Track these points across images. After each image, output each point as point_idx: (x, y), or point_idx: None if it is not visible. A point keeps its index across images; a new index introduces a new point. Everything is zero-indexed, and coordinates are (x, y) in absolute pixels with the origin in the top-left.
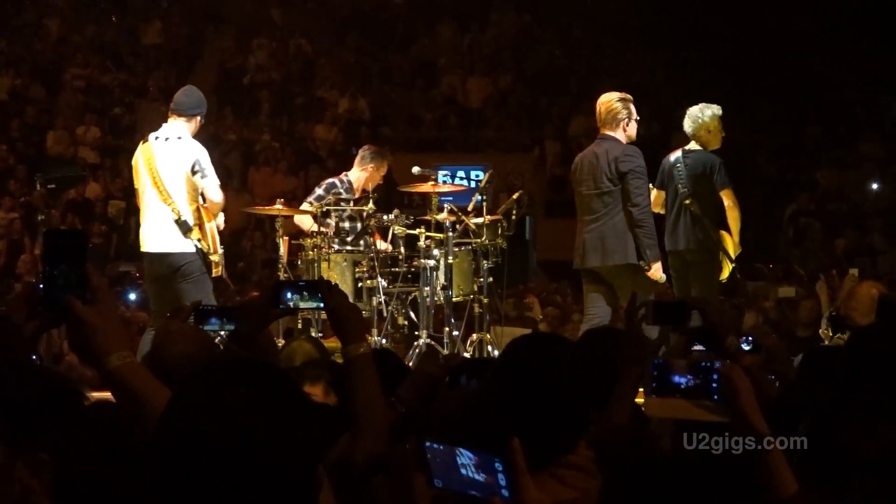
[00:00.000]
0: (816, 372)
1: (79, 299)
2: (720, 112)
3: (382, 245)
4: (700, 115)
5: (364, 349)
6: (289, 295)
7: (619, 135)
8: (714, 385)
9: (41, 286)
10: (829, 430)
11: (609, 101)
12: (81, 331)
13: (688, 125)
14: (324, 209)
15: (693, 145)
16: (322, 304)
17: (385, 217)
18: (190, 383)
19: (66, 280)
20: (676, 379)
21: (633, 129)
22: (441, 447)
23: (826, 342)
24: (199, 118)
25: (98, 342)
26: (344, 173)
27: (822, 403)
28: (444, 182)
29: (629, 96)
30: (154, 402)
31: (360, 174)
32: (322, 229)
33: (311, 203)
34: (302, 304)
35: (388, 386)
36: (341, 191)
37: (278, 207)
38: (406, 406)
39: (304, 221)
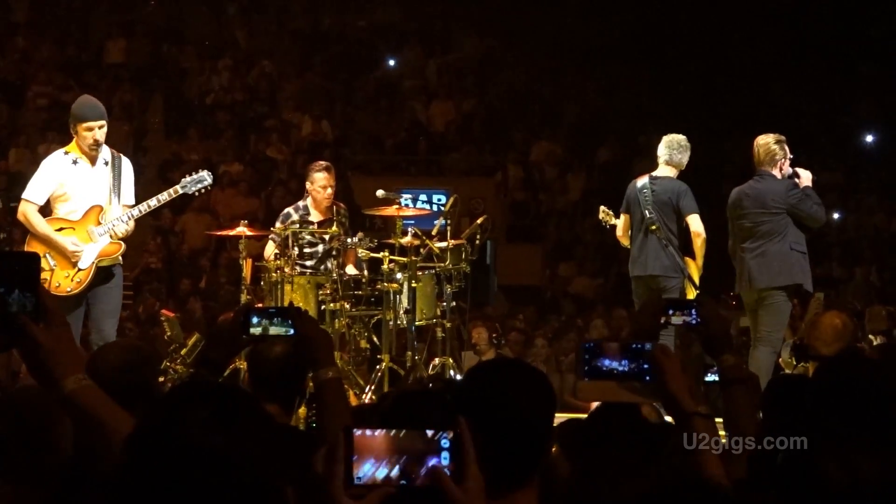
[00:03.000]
0: (781, 400)
1: (32, 321)
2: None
3: (352, 270)
4: (686, 144)
5: (333, 373)
6: (257, 321)
7: (776, 172)
8: (645, 366)
9: None
10: (804, 462)
11: (767, 143)
12: (36, 354)
13: (674, 152)
14: (284, 234)
15: (662, 171)
16: (292, 331)
17: (349, 240)
18: (155, 407)
19: (17, 303)
20: (608, 362)
21: (787, 168)
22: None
23: (787, 371)
24: (73, 129)
25: (53, 365)
26: (303, 198)
27: (794, 434)
28: (407, 206)
29: (783, 137)
30: (113, 425)
31: (309, 196)
32: (287, 252)
33: (272, 237)
34: (272, 330)
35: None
36: (296, 217)
37: (242, 229)
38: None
39: (268, 251)
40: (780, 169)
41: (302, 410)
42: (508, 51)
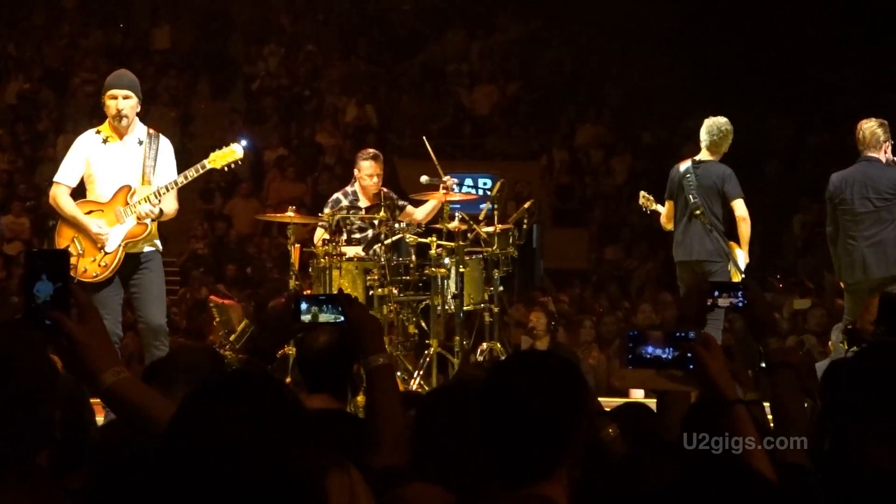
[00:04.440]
0: (837, 386)
1: (65, 316)
2: None
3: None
4: (728, 128)
5: (384, 360)
6: (307, 308)
7: (881, 156)
8: (688, 354)
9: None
10: (851, 444)
11: (871, 126)
12: (72, 349)
13: (714, 136)
14: (335, 220)
15: (704, 155)
16: (342, 318)
17: (396, 225)
18: (191, 399)
19: (49, 298)
20: (652, 350)
21: (890, 151)
22: None
23: (835, 354)
24: (102, 103)
25: (90, 360)
26: (350, 184)
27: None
28: (453, 190)
29: (885, 122)
30: (156, 414)
31: (357, 182)
32: (336, 238)
33: (321, 224)
34: (322, 317)
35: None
36: (346, 203)
37: (290, 215)
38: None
39: (317, 237)
40: (885, 152)
41: (360, 398)
42: (552, 33)
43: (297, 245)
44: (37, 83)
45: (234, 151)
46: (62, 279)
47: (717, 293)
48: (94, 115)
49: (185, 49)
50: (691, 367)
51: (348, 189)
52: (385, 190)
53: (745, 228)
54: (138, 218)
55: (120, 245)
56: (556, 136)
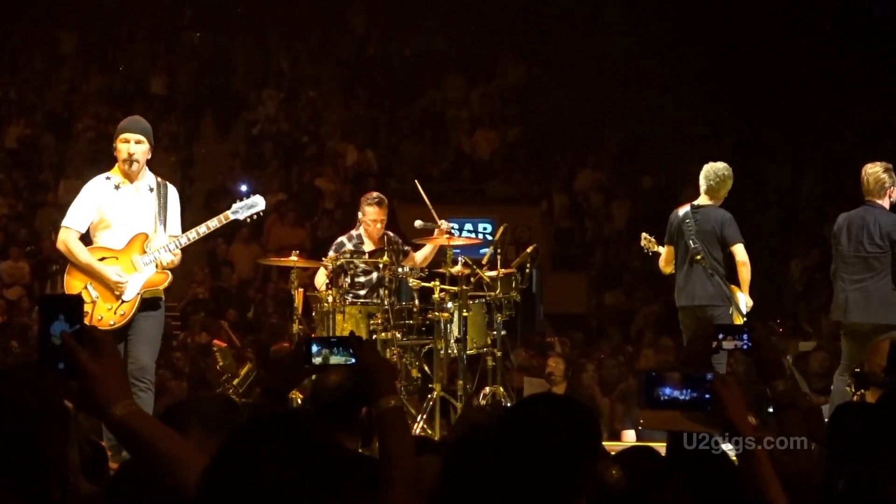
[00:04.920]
0: (846, 429)
1: (78, 348)
2: None
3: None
4: (727, 173)
5: (395, 402)
6: (318, 350)
7: (885, 202)
8: (707, 396)
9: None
10: (867, 488)
11: (876, 171)
12: (85, 381)
13: (712, 181)
14: (337, 263)
15: (703, 200)
16: (353, 360)
17: (400, 269)
18: (233, 440)
19: (62, 344)
20: (669, 391)
21: (895, 195)
22: None
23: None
24: (113, 148)
25: (102, 392)
26: (354, 228)
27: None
28: (454, 234)
29: (891, 166)
30: (165, 448)
31: (361, 226)
32: (339, 281)
33: (323, 266)
34: (333, 360)
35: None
36: (349, 247)
37: (293, 259)
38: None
39: (319, 280)
40: (890, 197)
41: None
42: (551, 79)
43: (301, 289)
44: (38, 128)
45: (257, 203)
46: (77, 322)
47: (721, 336)
48: (96, 160)
49: (184, 93)
50: (709, 408)
51: (353, 233)
52: (390, 234)
53: (745, 273)
54: (158, 266)
55: (138, 294)
56: (555, 181)
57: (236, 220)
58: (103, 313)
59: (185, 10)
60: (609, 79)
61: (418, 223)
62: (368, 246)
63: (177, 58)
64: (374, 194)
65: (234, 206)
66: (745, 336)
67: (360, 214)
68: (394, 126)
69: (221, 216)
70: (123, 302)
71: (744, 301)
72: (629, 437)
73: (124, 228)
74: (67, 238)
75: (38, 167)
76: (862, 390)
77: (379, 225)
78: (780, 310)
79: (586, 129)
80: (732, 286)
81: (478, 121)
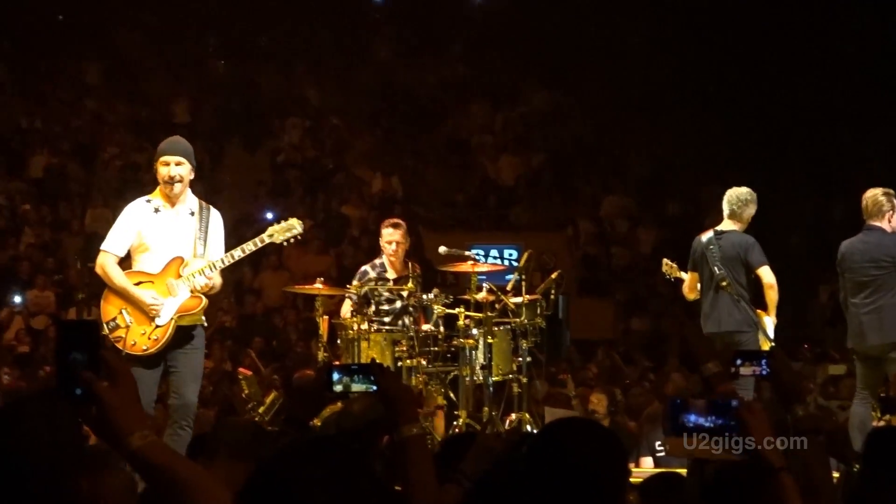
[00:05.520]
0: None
1: (96, 378)
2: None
3: (425, 327)
4: (752, 200)
5: (417, 430)
6: (340, 378)
7: (885, 225)
8: (732, 423)
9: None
10: None
11: (875, 195)
12: (101, 411)
13: (734, 205)
14: (362, 291)
15: (726, 225)
16: (374, 387)
17: (424, 296)
18: (270, 462)
19: (81, 367)
20: (695, 418)
21: (895, 220)
22: None
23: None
24: (154, 170)
25: (119, 422)
26: (378, 256)
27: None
28: (478, 261)
29: (891, 191)
30: (183, 478)
31: (384, 253)
32: (364, 309)
33: (349, 295)
34: (354, 387)
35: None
36: (373, 275)
37: (318, 286)
38: (471, 481)
39: (345, 309)
40: (889, 221)
41: None
42: (575, 105)
43: (326, 317)
44: (63, 157)
45: (294, 225)
46: (93, 348)
47: (739, 362)
48: (122, 189)
49: (209, 122)
50: (735, 434)
51: (376, 261)
52: (414, 264)
53: (772, 295)
54: (193, 291)
55: (172, 318)
56: (581, 207)
57: (272, 244)
58: (137, 338)
59: (209, 38)
60: (634, 105)
61: (443, 249)
62: (392, 274)
63: (201, 86)
64: (391, 219)
65: (270, 230)
66: (763, 362)
67: (380, 240)
68: (418, 152)
69: (257, 239)
70: (157, 326)
71: (771, 325)
72: (647, 463)
73: (163, 252)
74: (105, 262)
75: (64, 196)
76: (889, 415)
77: (395, 246)
78: (808, 335)
79: (611, 155)
80: (759, 311)
81: (502, 147)
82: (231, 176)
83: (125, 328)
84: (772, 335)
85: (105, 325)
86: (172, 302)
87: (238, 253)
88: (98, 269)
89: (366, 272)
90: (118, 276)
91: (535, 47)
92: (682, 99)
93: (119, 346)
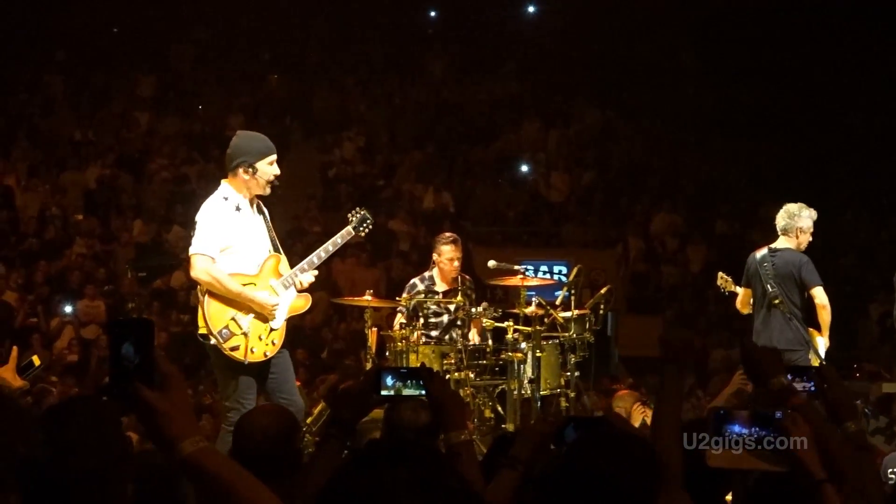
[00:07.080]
0: None
1: (146, 386)
2: (815, 216)
3: (476, 338)
4: (798, 213)
5: (465, 436)
6: (390, 381)
7: None
8: (776, 434)
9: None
10: None
11: None
12: (151, 418)
13: (783, 221)
14: (411, 304)
15: (781, 243)
16: (423, 391)
17: (474, 310)
18: (351, 464)
19: (133, 368)
20: (738, 429)
21: None
22: None
23: None
24: (239, 170)
25: (169, 428)
26: (428, 269)
27: None
28: (528, 275)
29: None
30: (235, 485)
31: (436, 267)
32: (413, 322)
33: (400, 309)
34: (404, 391)
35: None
36: (422, 288)
37: (367, 298)
38: (522, 465)
39: (396, 322)
40: None
41: None
42: (627, 123)
43: (374, 329)
44: (115, 169)
45: (366, 216)
46: (145, 348)
47: (789, 378)
48: (171, 201)
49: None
50: (776, 446)
51: (425, 274)
52: (465, 276)
53: (825, 315)
54: (302, 287)
55: (285, 320)
56: (631, 224)
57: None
58: (255, 344)
59: (262, 53)
60: (684, 123)
61: (492, 263)
62: (441, 287)
63: (254, 100)
64: (448, 234)
65: (351, 220)
66: (812, 379)
67: (434, 255)
68: (469, 169)
69: (344, 232)
70: (273, 330)
71: (823, 345)
72: None
73: (249, 252)
74: (208, 267)
75: (115, 207)
76: None
77: (456, 263)
78: (859, 353)
79: (661, 173)
80: (811, 329)
81: (554, 164)
82: (282, 189)
83: (242, 335)
84: (823, 355)
85: (217, 336)
86: (284, 303)
87: (330, 247)
88: (201, 275)
89: (414, 284)
90: (228, 280)
91: (587, 66)
92: (732, 118)
93: (237, 355)
